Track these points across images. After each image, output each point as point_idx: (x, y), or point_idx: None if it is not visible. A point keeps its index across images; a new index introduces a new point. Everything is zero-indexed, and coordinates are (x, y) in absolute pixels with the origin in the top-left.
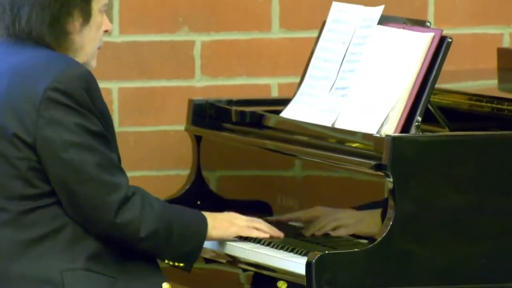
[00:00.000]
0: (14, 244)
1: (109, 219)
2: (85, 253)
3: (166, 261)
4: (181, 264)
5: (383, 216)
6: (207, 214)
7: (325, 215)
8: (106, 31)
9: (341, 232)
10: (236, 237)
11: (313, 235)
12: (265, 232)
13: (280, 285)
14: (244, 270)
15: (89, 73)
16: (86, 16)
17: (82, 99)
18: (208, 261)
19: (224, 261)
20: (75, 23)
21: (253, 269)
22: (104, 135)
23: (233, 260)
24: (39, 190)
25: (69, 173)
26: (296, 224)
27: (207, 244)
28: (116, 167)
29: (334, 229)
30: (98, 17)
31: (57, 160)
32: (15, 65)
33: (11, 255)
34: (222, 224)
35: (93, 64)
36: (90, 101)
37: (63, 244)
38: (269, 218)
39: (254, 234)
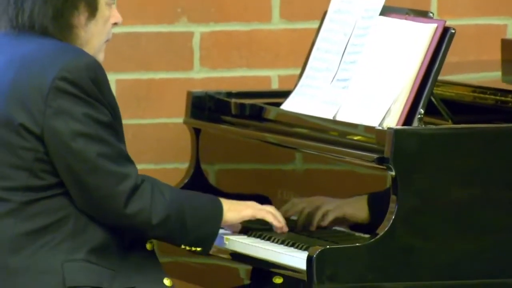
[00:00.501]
0: (16, 235)
1: (118, 210)
2: (87, 245)
3: (183, 246)
4: (198, 249)
5: (385, 210)
6: (220, 199)
7: (326, 209)
8: (115, 24)
9: (343, 227)
10: (241, 230)
11: (314, 230)
12: (279, 221)
13: (276, 280)
14: (244, 265)
15: (98, 63)
16: (92, 10)
17: (90, 89)
18: (208, 256)
19: (224, 256)
20: (81, 17)
21: (253, 264)
22: (113, 125)
23: (233, 255)
24: (44, 182)
25: (77, 163)
26: (297, 218)
27: None
28: (125, 157)
29: (336, 223)
30: (105, 11)
31: (65, 150)
32: (21, 55)
33: (12, 246)
34: (237, 207)
35: (100, 58)
36: (98, 91)
37: (65, 236)
38: None
39: (269, 218)
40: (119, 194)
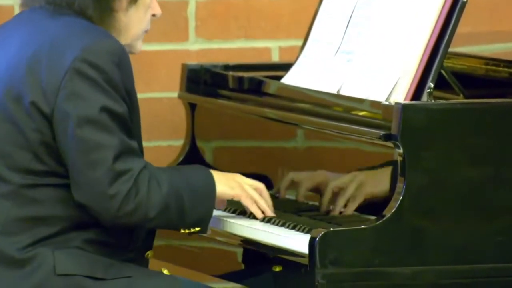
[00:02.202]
0: (10, 219)
1: (111, 212)
2: (82, 237)
3: (182, 230)
4: (197, 229)
5: (392, 190)
6: (211, 171)
7: (329, 189)
8: (153, 15)
9: (347, 208)
10: (240, 211)
11: (316, 211)
12: (258, 208)
13: (275, 268)
14: (242, 248)
15: (123, 48)
16: None
17: (111, 75)
18: (205, 239)
19: (221, 239)
20: (123, 1)
21: (251, 247)
22: (126, 117)
23: (231, 238)
24: (46, 167)
25: (79, 152)
26: (298, 199)
27: None
28: (131, 152)
29: (339, 204)
30: None
31: (70, 136)
32: (45, 31)
33: (4, 230)
34: (229, 182)
35: (138, 47)
36: (120, 79)
37: (60, 230)
38: (269, 192)
39: (252, 209)
40: (112, 195)
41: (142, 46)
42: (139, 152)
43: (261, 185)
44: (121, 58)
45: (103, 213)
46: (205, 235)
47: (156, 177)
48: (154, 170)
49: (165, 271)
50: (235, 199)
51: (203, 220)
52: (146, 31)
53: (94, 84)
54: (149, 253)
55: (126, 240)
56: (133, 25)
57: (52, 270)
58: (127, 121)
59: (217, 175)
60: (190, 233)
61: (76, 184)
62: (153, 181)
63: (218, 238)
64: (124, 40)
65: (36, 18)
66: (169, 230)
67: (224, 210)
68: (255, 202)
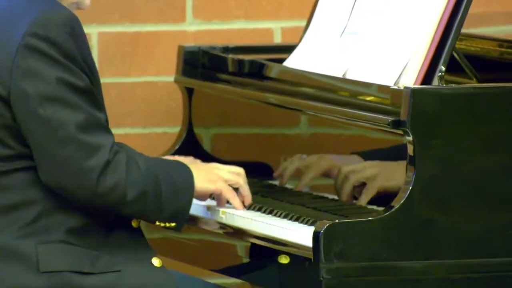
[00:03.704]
0: None
1: (89, 187)
2: (65, 225)
3: (157, 223)
4: (173, 224)
5: (401, 180)
6: (188, 164)
7: (334, 179)
8: None
9: (354, 198)
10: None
11: (321, 202)
12: (238, 200)
13: (282, 260)
14: (242, 241)
15: (74, 16)
16: None
17: (66, 47)
18: (203, 232)
19: (220, 231)
20: None
21: (252, 240)
22: (90, 91)
23: (230, 231)
24: (12, 152)
25: (45, 132)
26: (302, 189)
27: (201, 213)
28: (100, 126)
29: (345, 194)
30: None
31: (32, 117)
32: None
33: None
34: (209, 176)
35: (87, 1)
36: (76, 50)
37: (39, 215)
38: (271, 182)
39: (234, 203)
40: (90, 169)
41: (89, 1)
42: (107, 126)
43: (240, 170)
44: (74, 27)
45: (80, 191)
46: (202, 227)
47: (135, 158)
48: (132, 151)
49: (156, 261)
50: (216, 193)
51: (180, 215)
52: None
53: (49, 58)
54: (134, 222)
55: (106, 215)
56: None
57: (35, 266)
58: (91, 93)
59: (196, 170)
60: (165, 228)
61: (46, 167)
62: (132, 161)
63: (217, 231)
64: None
65: None
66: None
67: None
68: (235, 196)
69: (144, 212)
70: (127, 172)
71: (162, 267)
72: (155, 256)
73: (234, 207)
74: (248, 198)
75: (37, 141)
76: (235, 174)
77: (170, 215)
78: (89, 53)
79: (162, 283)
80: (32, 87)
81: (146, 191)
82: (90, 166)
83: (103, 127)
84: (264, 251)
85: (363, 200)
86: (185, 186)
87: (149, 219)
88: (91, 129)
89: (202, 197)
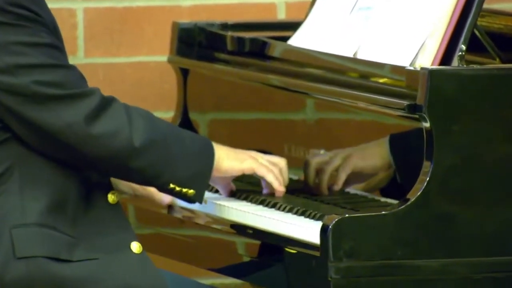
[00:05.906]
0: None
1: (84, 135)
2: (40, 202)
3: (172, 186)
4: (190, 191)
5: (418, 170)
6: (216, 145)
7: (344, 169)
8: None
9: (364, 191)
10: (235, 194)
11: (329, 194)
12: (280, 183)
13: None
14: (242, 238)
15: None
16: None
17: (20, 6)
18: (199, 227)
19: (218, 226)
20: None
21: (253, 237)
22: (58, 45)
23: (228, 226)
24: None
25: (23, 102)
26: (308, 180)
27: (198, 207)
28: (82, 77)
29: (355, 186)
30: None
31: (7, 89)
32: None
33: None
34: (238, 156)
35: None
36: (35, 7)
37: (11, 192)
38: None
39: (270, 178)
40: (81, 114)
41: None
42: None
43: (279, 161)
44: None
45: (76, 142)
46: (199, 222)
47: (136, 109)
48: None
49: (136, 247)
50: (247, 173)
51: (199, 178)
52: None
53: (4, 25)
54: (110, 197)
55: (81, 190)
56: None
57: (11, 252)
58: (62, 49)
59: (222, 149)
60: (181, 195)
61: (33, 134)
62: (133, 110)
63: (215, 226)
64: None
65: None
66: (157, 190)
67: (216, 192)
68: (271, 171)
69: (155, 168)
70: (128, 117)
71: (142, 252)
72: (134, 240)
73: (271, 190)
74: (282, 188)
75: (10, 111)
76: (271, 163)
77: (187, 176)
78: (50, 13)
79: (141, 273)
80: None
81: (155, 140)
82: (80, 112)
83: (83, 77)
84: (267, 249)
85: (340, 181)
86: (204, 150)
87: (162, 178)
88: (71, 82)
89: (227, 180)
